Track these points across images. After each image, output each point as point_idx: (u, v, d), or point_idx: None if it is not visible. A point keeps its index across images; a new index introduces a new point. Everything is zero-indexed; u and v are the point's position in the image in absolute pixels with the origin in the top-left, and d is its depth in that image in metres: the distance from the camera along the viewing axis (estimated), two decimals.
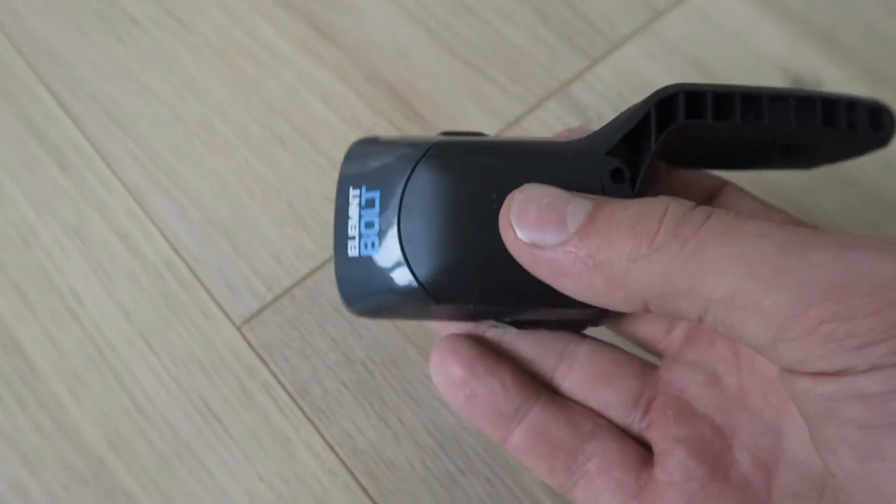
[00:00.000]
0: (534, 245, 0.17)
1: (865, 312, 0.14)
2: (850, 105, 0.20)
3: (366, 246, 0.20)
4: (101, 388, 0.28)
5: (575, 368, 0.22)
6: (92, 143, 0.32)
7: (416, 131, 0.32)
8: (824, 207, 0.30)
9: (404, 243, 0.19)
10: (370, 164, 0.20)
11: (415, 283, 0.19)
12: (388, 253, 0.20)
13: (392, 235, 0.20)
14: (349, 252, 0.20)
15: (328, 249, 0.30)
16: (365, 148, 0.21)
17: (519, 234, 0.17)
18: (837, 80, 0.32)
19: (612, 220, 0.16)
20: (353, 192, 0.20)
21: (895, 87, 0.32)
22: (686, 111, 0.19)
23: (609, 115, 0.32)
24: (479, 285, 0.19)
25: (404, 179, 0.20)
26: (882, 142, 0.20)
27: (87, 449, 0.27)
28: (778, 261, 0.14)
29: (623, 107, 0.32)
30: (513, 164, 0.19)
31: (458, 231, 0.19)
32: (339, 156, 0.32)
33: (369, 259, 0.20)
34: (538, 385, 0.22)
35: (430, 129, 0.32)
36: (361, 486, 0.26)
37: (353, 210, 0.20)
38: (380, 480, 0.26)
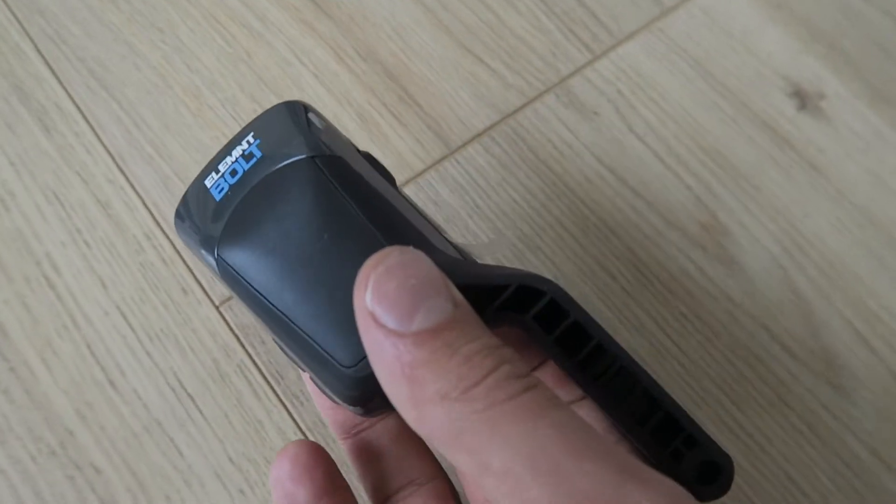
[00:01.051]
0: (373, 315, 0.16)
1: None
2: (692, 441, 0.19)
3: (218, 187, 0.21)
4: (74, 358, 0.27)
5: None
6: (77, 106, 0.32)
7: (409, 115, 0.31)
8: (816, 223, 0.30)
9: (233, 215, 0.20)
10: (280, 127, 0.21)
11: (211, 258, 0.20)
12: (220, 208, 0.20)
13: (235, 198, 0.20)
14: (206, 180, 0.21)
15: None
16: (292, 112, 0.21)
17: (368, 298, 0.16)
18: (838, 92, 0.32)
19: (452, 346, 0.15)
20: (249, 137, 0.21)
21: (895, 105, 0.31)
22: (538, 314, 0.19)
23: (607, 114, 0.31)
24: (268, 281, 0.19)
25: (279, 163, 0.20)
26: (701, 496, 0.19)
27: (57, 419, 0.27)
28: (559, 458, 0.14)
29: (622, 106, 0.32)
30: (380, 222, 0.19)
31: (288, 241, 0.19)
32: None
33: (210, 198, 0.21)
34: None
35: (422, 113, 0.31)
36: None
37: (236, 151, 0.21)
38: (350, 469, 0.26)
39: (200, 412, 0.27)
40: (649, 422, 0.19)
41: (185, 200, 0.22)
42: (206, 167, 0.21)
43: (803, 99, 0.32)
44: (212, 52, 0.32)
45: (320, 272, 0.19)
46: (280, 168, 0.20)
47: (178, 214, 0.22)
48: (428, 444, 0.17)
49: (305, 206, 0.19)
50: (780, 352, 0.28)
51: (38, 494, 0.25)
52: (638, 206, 0.30)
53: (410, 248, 0.16)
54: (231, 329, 0.28)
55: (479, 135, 0.31)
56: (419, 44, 0.33)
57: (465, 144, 0.31)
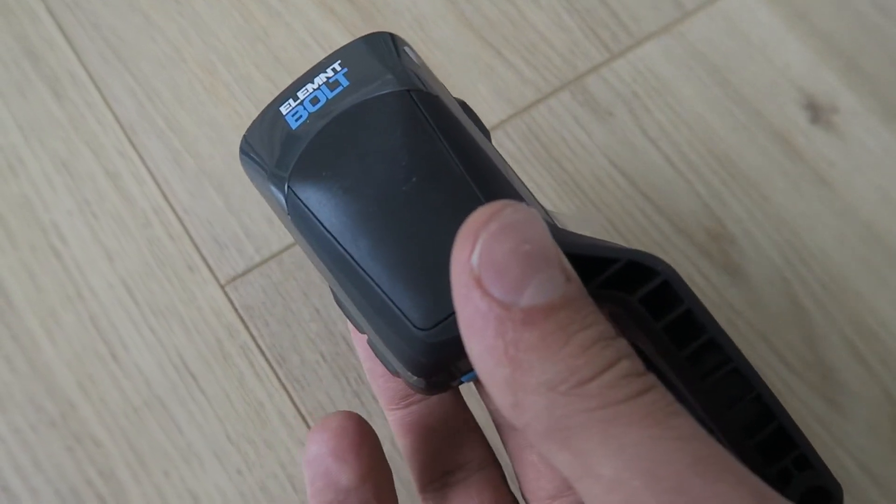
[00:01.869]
0: (478, 280, 0.14)
1: None
2: (804, 462, 0.17)
3: (295, 114, 0.18)
4: (77, 329, 0.27)
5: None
6: (90, 74, 0.31)
7: None
8: (822, 237, 0.30)
9: (310, 146, 0.18)
10: (372, 57, 0.19)
11: (280, 194, 0.18)
12: (295, 138, 0.18)
13: (314, 128, 0.18)
14: (282, 106, 0.19)
15: None
16: (384, 43, 0.19)
17: (475, 258, 0.14)
18: (852, 107, 0.32)
19: (566, 329, 0.13)
20: (336, 65, 0.18)
21: None
22: (647, 296, 0.16)
23: (621, 116, 0.31)
24: (349, 225, 0.17)
25: (370, 95, 0.18)
26: None
27: (58, 390, 0.27)
28: (685, 476, 0.13)
29: (637, 108, 0.32)
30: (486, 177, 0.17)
31: (370, 180, 0.17)
32: None
33: (285, 126, 0.18)
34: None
35: None
36: None
37: (320, 79, 0.18)
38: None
39: (202, 391, 0.27)
40: (758, 434, 0.17)
41: (253, 129, 0.19)
42: (283, 94, 0.19)
43: (817, 112, 0.32)
44: (229, 28, 0.32)
45: (404, 218, 0.17)
46: (370, 100, 0.17)
47: (243, 146, 0.19)
48: (521, 431, 0.15)
49: (395, 142, 0.17)
50: (777, 363, 0.28)
51: (37, 464, 0.26)
52: (647, 210, 0.30)
53: (524, 206, 0.14)
54: (235, 309, 0.28)
55: (494, 128, 0.31)
56: (439, 34, 0.32)
57: None
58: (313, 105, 0.18)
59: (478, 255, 0.13)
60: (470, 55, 0.32)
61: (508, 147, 0.31)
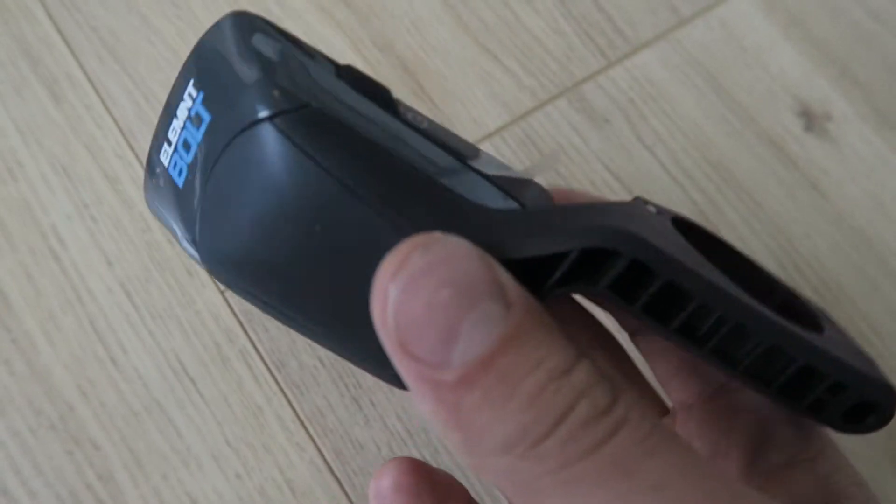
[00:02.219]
0: (401, 344, 0.12)
1: None
2: (839, 386, 0.15)
3: (176, 167, 0.16)
4: (76, 333, 0.28)
5: None
6: (88, 76, 0.31)
7: (422, 109, 0.31)
8: (815, 244, 0.30)
9: (204, 210, 0.15)
10: (223, 69, 0.15)
11: (195, 255, 0.16)
12: (186, 197, 0.15)
13: (197, 183, 0.15)
14: (161, 154, 0.16)
15: None
16: (235, 38, 0.15)
17: (390, 322, 0.12)
18: (846, 114, 0.32)
19: (509, 379, 0.12)
20: (191, 88, 0.15)
21: None
22: (616, 281, 0.14)
23: (618, 123, 0.32)
24: (274, 290, 0.15)
25: (234, 132, 0.14)
26: (853, 431, 0.16)
27: (57, 393, 0.27)
28: None
29: (633, 115, 0.32)
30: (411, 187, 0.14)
31: (277, 243, 0.14)
32: None
33: (173, 185, 0.16)
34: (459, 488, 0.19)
35: (436, 109, 0.32)
36: (327, 463, 0.26)
37: (182, 111, 0.15)
38: (346, 460, 0.26)
39: (200, 394, 0.27)
40: (778, 379, 0.15)
41: (149, 190, 0.17)
42: (156, 134, 0.16)
43: (811, 119, 0.32)
44: None
45: (326, 279, 0.15)
46: (237, 140, 0.14)
47: (151, 207, 0.17)
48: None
49: (280, 194, 0.14)
50: None
51: (37, 467, 0.26)
52: None
53: (436, 236, 0.12)
54: (234, 314, 0.28)
55: (491, 134, 0.31)
56: (437, 38, 0.33)
57: (476, 143, 0.31)
58: (187, 152, 0.15)
59: (392, 316, 0.12)
60: (467, 60, 0.32)
61: (506, 153, 0.31)
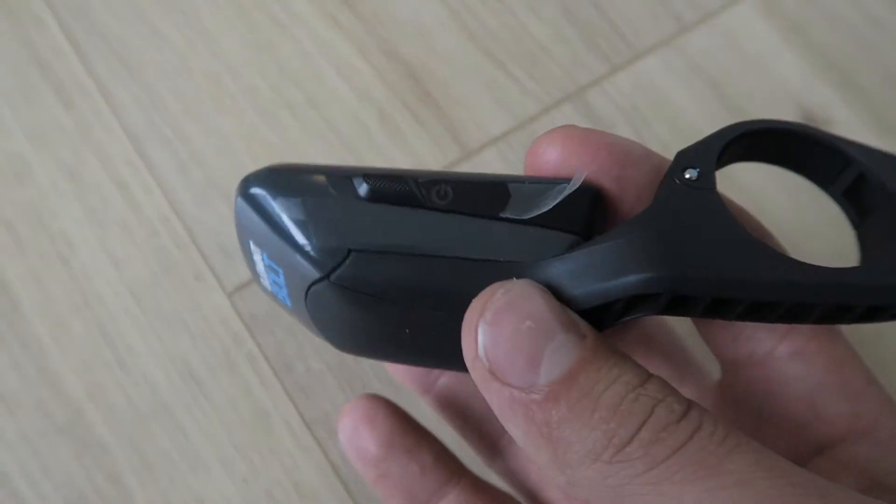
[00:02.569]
0: (492, 373, 0.13)
1: None
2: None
3: (276, 292, 0.18)
4: (85, 337, 0.28)
5: (516, 448, 0.20)
6: (97, 83, 0.32)
7: (427, 115, 0.32)
8: (818, 249, 0.30)
9: (314, 320, 0.18)
10: (270, 234, 0.17)
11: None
12: (296, 312, 0.18)
13: (301, 307, 0.17)
14: (259, 280, 0.19)
15: None
16: (263, 206, 0.17)
17: (481, 353, 0.14)
18: (847, 121, 0.32)
19: (591, 393, 0.13)
20: (252, 247, 0.18)
21: None
22: (664, 308, 0.15)
23: (621, 129, 0.32)
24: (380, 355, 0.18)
25: (306, 284, 0.17)
26: None
27: (66, 397, 0.27)
28: None
29: (637, 121, 0.32)
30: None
31: (378, 330, 0.17)
32: (348, 130, 0.32)
33: (277, 298, 0.18)
34: (461, 467, 0.21)
35: (441, 115, 0.32)
36: (333, 466, 0.27)
37: (258, 259, 0.18)
38: (351, 464, 0.27)
39: (207, 398, 0.27)
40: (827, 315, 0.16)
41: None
42: (245, 260, 0.19)
43: (812, 124, 0.33)
44: (234, 39, 0.33)
45: (415, 350, 0.17)
46: (311, 292, 0.17)
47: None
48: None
49: (363, 318, 0.17)
50: None
51: (45, 470, 0.26)
52: None
53: (514, 282, 0.14)
54: (241, 318, 0.28)
55: (496, 140, 0.32)
56: (442, 45, 0.33)
57: (481, 149, 0.31)
58: (279, 287, 0.18)
59: (482, 348, 0.14)
60: (473, 67, 0.33)
61: (511, 159, 0.31)
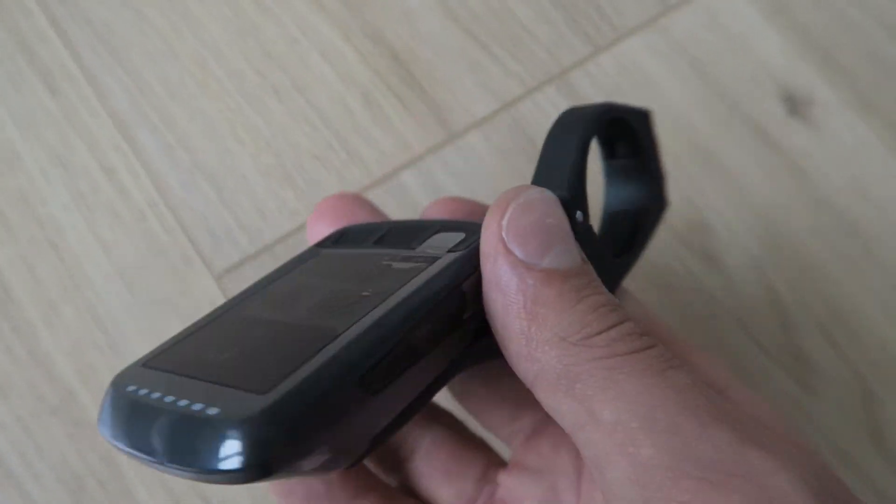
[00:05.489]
0: (505, 244, 0.16)
1: None
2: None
3: None
4: (76, 320, 0.28)
5: (418, 460, 0.21)
6: (82, 70, 0.32)
7: (412, 98, 0.32)
8: (797, 226, 0.31)
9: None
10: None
11: None
12: None
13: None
14: None
15: (312, 208, 0.30)
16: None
17: (504, 224, 0.16)
18: (828, 99, 0.33)
19: (580, 291, 0.15)
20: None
21: (883, 115, 0.32)
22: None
23: None
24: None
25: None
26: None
27: (58, 379, 0.27)
28: (679, 420, 0.14)
29: (619, 101, 0.32)
30: None
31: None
32: (333, 114, 0.32)
33: None
34: (372, 480, 0.20)
35: (426, 97, 0.32)
36: None
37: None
38: None
39: None
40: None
41: None
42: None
43: (794, 104, 0.33)
44: (219, 23, 0.33)
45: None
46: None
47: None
48: (532, 386, 0.16)
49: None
50: (753, 347, 0.29)
51: (39, 451, 0.26)
52: None
53: (546, 190, 0.16)
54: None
55: (480, 122, 0.32)
56: (426, 28, 0.33)
57: (465, 131, 0.32)
58: None
59: (507, 222, 0.16)
60: (457, 49, 0.33)
61: (495, 140, 0.32)
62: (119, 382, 0.16)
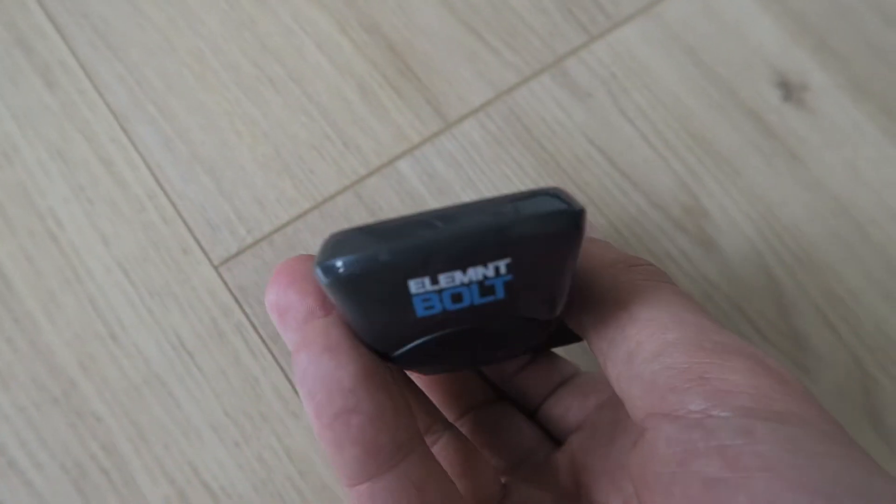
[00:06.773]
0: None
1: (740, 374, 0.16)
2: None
3: (426, 301, 0.16)
4: (76, 311, 0.28)
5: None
6: (80, 63, 0.32)
7: (408, 88, 0.32)
8: (793, 210, 0.31)
9: (425, 343, 0.17)
10: (548, 260, 0.16)
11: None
12: (417, 325, 0.17)
13: (437, 326, 0.16)
14: (412, 281, 0.15)
15: (310, 198, 0.30)
16: (570, 236, 0.17)
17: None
18: (823, 84, 0.33)
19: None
20: (502, 264, 0.15)
21: (877, 101, 0.33)
22: None
23: (600, 97, 0.32)
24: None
25: (513, 331, 0.17)
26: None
27: (59, 370, 0.28)
28: (699, 320, 0.17)
29: (615, 89, 0.33)
30: None
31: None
32: (330, 105, 0.32)
33: (409, 307, 0.17)
34: (441, 417, 0.21)
35: (422, 87, 0.32)
36: None
37: (476, 273, 0.15)
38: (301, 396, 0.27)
39: (198, 368, 0.28)
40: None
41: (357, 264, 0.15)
42: (415, 259, 0.15)
43: (789, 90, 0.33)
44: (216, 15, 0.33)
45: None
46: (505, 331, 0.16)
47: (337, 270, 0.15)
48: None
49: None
50: (751, 332, 0.29)
51: (42, 440, 0.27)
52: (625, 187, 0.31)
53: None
54: (229, 289, 0.29)
55: (476, 111, 0.32)
56: (422, 19, 0.33)
57: (461, 119, 0.32)
58: (454, 303, 0.15)
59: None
60: (452, 39, 0.33)
61: (491, 128, 0.32)
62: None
